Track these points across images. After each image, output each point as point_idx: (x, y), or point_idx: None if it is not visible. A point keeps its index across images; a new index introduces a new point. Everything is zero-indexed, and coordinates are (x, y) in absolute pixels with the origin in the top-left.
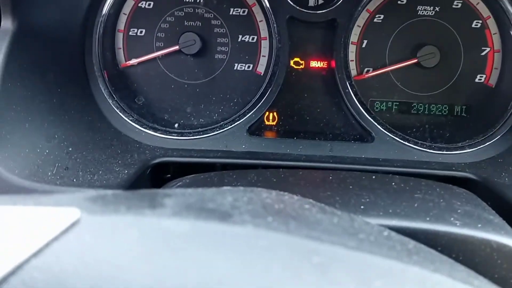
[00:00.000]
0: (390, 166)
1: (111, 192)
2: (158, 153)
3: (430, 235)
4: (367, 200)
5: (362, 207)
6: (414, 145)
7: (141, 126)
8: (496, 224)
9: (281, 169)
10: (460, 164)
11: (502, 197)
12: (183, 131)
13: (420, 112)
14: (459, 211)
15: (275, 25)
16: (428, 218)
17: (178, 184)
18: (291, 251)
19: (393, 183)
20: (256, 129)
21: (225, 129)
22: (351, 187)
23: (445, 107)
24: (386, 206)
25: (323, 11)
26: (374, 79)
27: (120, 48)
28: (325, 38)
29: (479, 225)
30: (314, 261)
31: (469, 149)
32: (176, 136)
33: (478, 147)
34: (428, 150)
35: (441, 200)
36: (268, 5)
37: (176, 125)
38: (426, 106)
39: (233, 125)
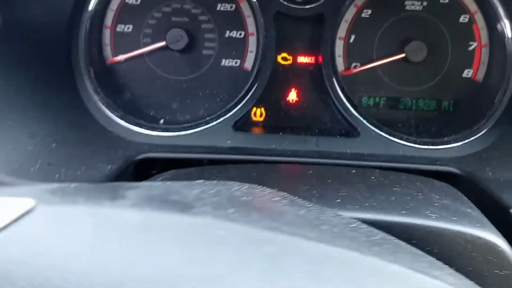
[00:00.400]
0: (375, 160)
1: (74, 185)
2: (143, 149)
3: (405, 228)
4: (345, 193)
5: (338, 200)
6: (400, 140)
7: (126, 122)
8: (473, 217)
9: (262, 164)
10: (445, 159)
11: (485, 192)
12: (168, 126)
13: (408, 107)
14: (436, 204)
15: (262, 20)
16: (403, 212)
17: (158, 179)
18: (244, 241)
19: (373, 177)
20: (242, 124)
21: (210, 124)
22: (329, 181)
23: (433, 102)
24: (363, 199)
25: (310, 6)
26: (361, 74)
27: (108, 44)
28: (312, 33)
29: (455, 218)
30: (266, 250)
31: (455, 143)
32: (161, 132)
33: (464, 142)
34: (413, 145)
35: (419, 194)
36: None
37: (161, 121)
38: (414, 101)
39: (218, 120)
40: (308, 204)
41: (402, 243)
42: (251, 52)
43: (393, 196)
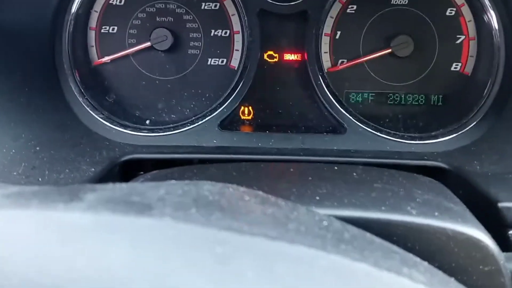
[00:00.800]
0: (362, 157)
1: (35, 188)
2: (128, 150)
3: (385, 225)
4: (324, 191)
5: (317, 198)
6: (387, 135)
7: (111, 123)
8: (455, 212)
9: (245, 163)
10: (433, 153)
11: (473, 186)
12: (153, 127)
13: (396, 102)
14: (417, 200)
15: (245, 18)
16: (383, 208)
17: (140, 180)
18: (196, 242)
19: (354, 174)
20: (229, 123)
21: (196, 124)
22: (310, 178)
23: (422, 97)
24: (342, 196)
25: (294, 3)
26: (349, 70)
27: (93, 46)
28: (297, 30)
29: (436, 214)
30: (217, 251)
31: (442, 138)
32: (146, 132)
33: (451, 136)
34: (400, 140)
35: (401, 189)
36: None
37: (147, 122)
38: (403, 96)
39: (204, 120)
40: (282, 202)
41: (378, 241)
42: (237, 50)
43: (374, 192)
